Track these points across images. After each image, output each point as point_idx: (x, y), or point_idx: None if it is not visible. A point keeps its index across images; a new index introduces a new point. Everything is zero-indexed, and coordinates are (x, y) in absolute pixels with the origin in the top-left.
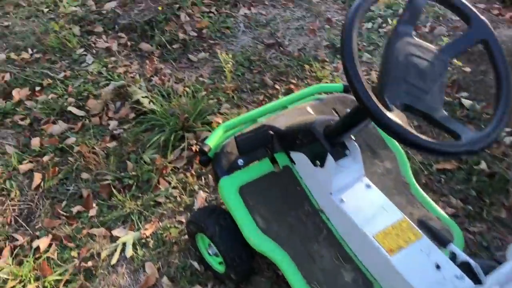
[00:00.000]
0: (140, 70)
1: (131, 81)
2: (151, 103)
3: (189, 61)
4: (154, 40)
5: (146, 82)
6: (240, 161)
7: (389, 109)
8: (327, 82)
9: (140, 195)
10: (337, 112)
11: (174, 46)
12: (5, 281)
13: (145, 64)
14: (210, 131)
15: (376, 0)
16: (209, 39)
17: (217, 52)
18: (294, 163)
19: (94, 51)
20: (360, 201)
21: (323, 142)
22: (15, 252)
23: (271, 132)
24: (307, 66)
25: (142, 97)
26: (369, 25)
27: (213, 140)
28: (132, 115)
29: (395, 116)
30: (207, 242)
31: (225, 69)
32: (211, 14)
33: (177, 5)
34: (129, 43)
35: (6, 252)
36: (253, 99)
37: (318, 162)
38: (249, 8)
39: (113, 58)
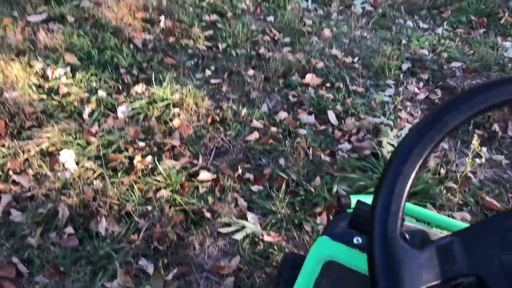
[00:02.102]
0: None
1: (398, 126)
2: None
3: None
4: None
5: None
6: (357, 239)
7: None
8: None
9: (297, 208)
10: None
11: (478, 131)
12: (159, 181)
13: None
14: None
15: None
16: None
17: None
18: None
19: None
20: None
21: None
22: (187, 166)
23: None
24: None
25: (389, 143)
26: None
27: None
28: (367, 151)
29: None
30: None
31: None
32: None
33: None
34: (436, 101)
35: (184, 160)
36: None
37: None
38: None
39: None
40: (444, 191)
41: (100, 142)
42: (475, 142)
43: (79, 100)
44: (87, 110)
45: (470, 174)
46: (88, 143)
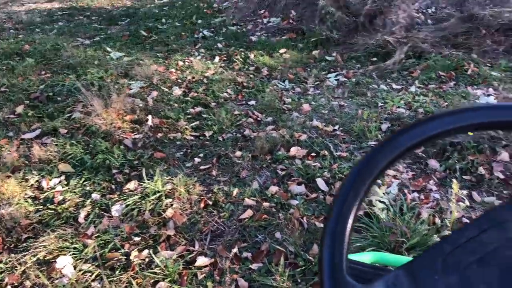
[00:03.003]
0: (408, 181)
1: (386, 183)
2: (384, 212)
3: (471, 199)
4: (447, 163)
5: (398, 193)
6: None
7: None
8: None
9: (299, 280)
10: None
11: (465, 177)
12: (157, 274)
13: (418, 178)
14: None
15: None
16: None
17: None
18: None
19: None
20: None
21: None
22: (184, 254)
23: None
24: None
25: (379, 201)
26: None
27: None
28: (360, 212)
29: None
30: None
31: None
32: None
33: (504, 142)
34: (420, 154)
35: (180, 248)
36: None
37: None
38: None
39: None
40: (439, 240)
41: (96, 243)
42: (454, 186)
43: (74, 205)
44: (82, 214)
45: (465, 220)
46: (85, 246)
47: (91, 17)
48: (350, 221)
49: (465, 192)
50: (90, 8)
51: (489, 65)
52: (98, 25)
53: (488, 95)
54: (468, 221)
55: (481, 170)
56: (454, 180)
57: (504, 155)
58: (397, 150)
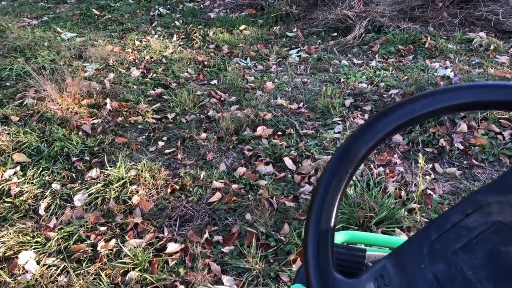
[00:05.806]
0: (373, 156)
1: None
2: (351, 189)
3: (433, 170)
4: (409, 136)
5: (364, 169)
6: None
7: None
8: None
9: (271, 260)
10: None
11: (427, 149)
12: (126, 264)
13: (383, 152)
14: None
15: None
16: (474, 158)
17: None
18: None
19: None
20: None
21: None
22: (153, 242)
23: None
24: None
25: None
26: None
27: None
28: None
29: None
30: None
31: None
32: (498, 136)
33: (462, 114)
34: None
35: (149, 236)
36: None
37: None
38: None
39: None
40: (406, 213)
41: (60, 236)
42: (421, 160)
43: (32, 197)
44: (42, 205)
45: (430, 191)
46: (48, 239)
47: None
48: (333, 220)
49: (428, 164)
50: None
51: (445, 37)
52: (45, 4)
53: (446, 68)
54: (431, 192)
55: (442, 142)
56: (420, 155)
57: (463, 127)
58: (378, 135)
